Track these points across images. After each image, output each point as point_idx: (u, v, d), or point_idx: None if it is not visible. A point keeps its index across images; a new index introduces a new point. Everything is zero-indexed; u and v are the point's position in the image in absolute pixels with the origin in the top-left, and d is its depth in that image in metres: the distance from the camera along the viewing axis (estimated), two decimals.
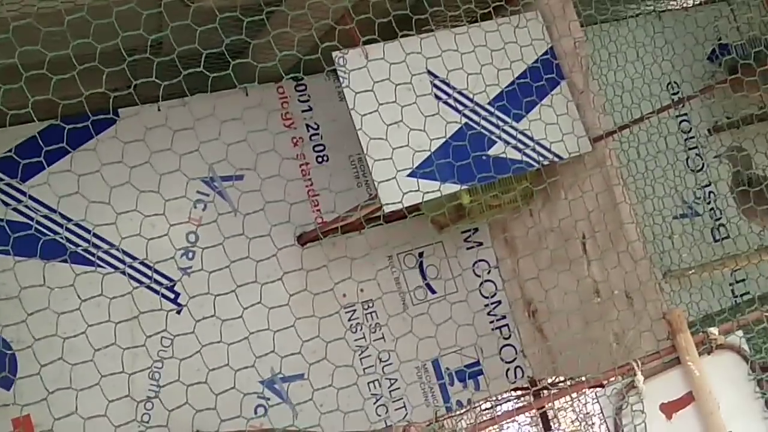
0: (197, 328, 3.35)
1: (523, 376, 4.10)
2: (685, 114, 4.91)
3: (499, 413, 3.62)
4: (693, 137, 4.93)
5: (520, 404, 3.87)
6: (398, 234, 4.00)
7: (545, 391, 4.12)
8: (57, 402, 2.92)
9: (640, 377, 2.78)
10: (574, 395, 6.43)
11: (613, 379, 2.85)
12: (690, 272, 4.27)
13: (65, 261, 3.27)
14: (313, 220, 3.90)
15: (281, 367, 3.52)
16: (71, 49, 2.59)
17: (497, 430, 7.21)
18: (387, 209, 3.25)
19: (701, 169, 4.89)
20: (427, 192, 3.28)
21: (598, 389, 3.08)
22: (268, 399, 3.54)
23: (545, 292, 3.77)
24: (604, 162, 3.55)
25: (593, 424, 7.51)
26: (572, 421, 7.39)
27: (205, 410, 3.17)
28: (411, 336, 3.84)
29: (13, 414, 3.11)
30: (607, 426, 2.84)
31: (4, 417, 3.12)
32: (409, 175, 3.28)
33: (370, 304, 3.92)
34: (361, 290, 3.91)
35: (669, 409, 2.94)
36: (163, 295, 3.48)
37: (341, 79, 3.24)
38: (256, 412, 3.51)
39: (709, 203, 4.84)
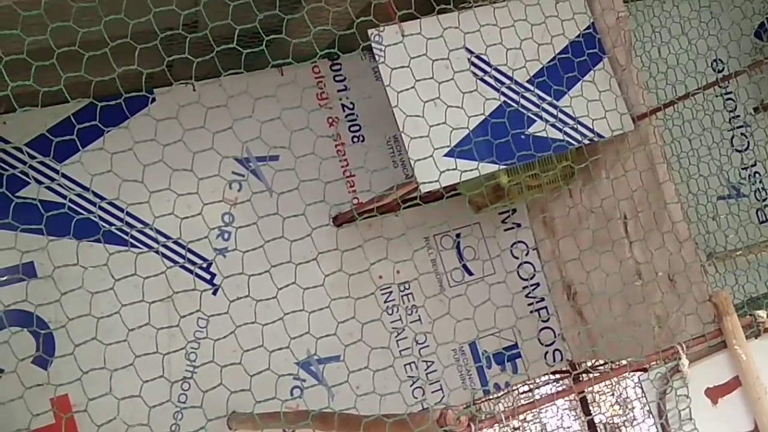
0: (232, 308, 3.33)
1: (562, 359, 4.03)
2: (731, 92, 4.76)
3: (538, 397, 3.56)
4: (738, 116, 4.79)
5: (559, 388, 3.79)
6: (435, 215, 3.94)
7: (585, 375, 4.06)
8: (92, 382, 2.92)
9: (685, 361, 2.70)
10: (614, 379, 6.35)
11: (656, 363, 2.77)
12: (736, 254, 4.15)
13: (99, 240, 3.27)
14: (348, 201, 3.85)
15: (317, 348, 3.50)
16: (104, 26, 2.55)
17: (536, 414, 7.15)
18: (424, 189, 3.19)
19: (747, 148, 4.75)
20: (465, 171, 3.21)
21: (640, 373, 2.99)
22: (304, 380, 3.52)
23: (586, 274, 3.68)
24: (647, 140, 3.45)
25: (633, 408, 7.41)
26: (611, 406, 7.29)
27: (240, 391, 3.15)
28: (448, 318, 3.79)
29: (51, 394, 3.11)
30: (650, 410, 2.76)
31: (42, 397, 3.13)
32: (446, 155, 3.22)
33: (407, 286, 3.87)
34: (398, 272, 3.86)
35: (715, 394, 2.85)
36: (198, 275, 3.46)
37: (377, 56, 3.18)
38: (291, 394, 3.49)
39: (754, 183, 4.70)
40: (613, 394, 7.01)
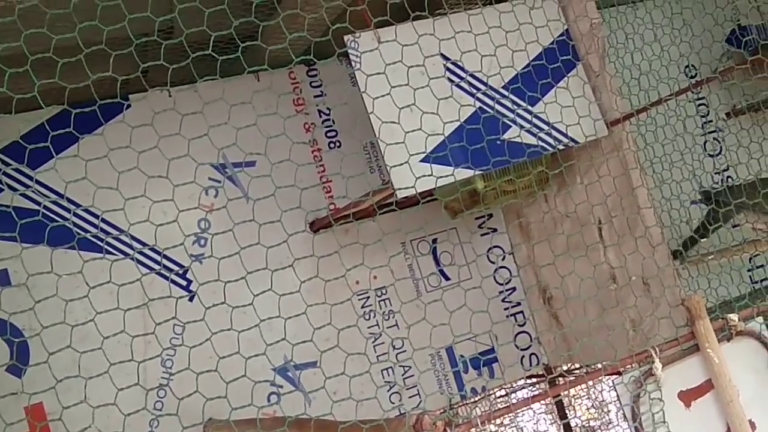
0: (208, 315, 3.31)
1: (538, 363, 4.05)
2: (703, 97, 4.82)
3: (514, 401, 3.58)
4: (711, 121, 4.85)
5: (536, 392, 3.82)
6: (411, 220, 3.95)
7: (561, 379, 4.08)
8: (67, 390, 2.90)
9: (658, 364, 2.72)
10: (590, 383, 6.39)
11: (630, 366, 2.79)
12: (708, 258, 4.20)
13: (73, 248, 3.24)
14: (325, 206, 3.86)
15: (293, 354, 3.49)
16: (78, 32, 2.54)
17: (512, 418, 7.18)
18: (400, 195, 3.21)
19: (719, 153, 4.81)
20: (441, 177, 3.23)
21: (614, 377, 3.02)
22: (281, 387, 3.51)
23: (561, 278, 3.71)
24: (621, 146, 3.49)
25: (609, 411, 7.46)
26: (587, 409, 7.34)
27: (216, 398, 3.14)
28: (425, 323, 3.80)
29: (25, 402, 3.09)
30: (624, 414, 2.78)
31: (16, 405, 3.10)
32: (422, 160, 3.23)
33: (383, 291, 3.88)
34: (374, 277, 3.86)
35: (688, 397, 2.88)
36: (174, 282, 3.45)
37: (353, 63, 3.19)
38: (269, 400, 3.49)
39: None
40: (589, 398, 7.06)
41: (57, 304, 2.88)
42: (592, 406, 7.22)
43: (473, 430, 2.41)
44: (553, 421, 6.57)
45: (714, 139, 4.83)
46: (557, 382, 4.22)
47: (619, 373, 2.95)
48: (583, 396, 6.90)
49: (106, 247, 3.35)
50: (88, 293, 2.75)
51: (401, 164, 3.17)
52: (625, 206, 3.44)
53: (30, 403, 3.10)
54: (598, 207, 3.57)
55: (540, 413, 6.82)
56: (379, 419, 2.39)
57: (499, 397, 4.51)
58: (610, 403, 6.88)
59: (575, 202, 3.66)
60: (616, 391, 2.76)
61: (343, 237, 3.79)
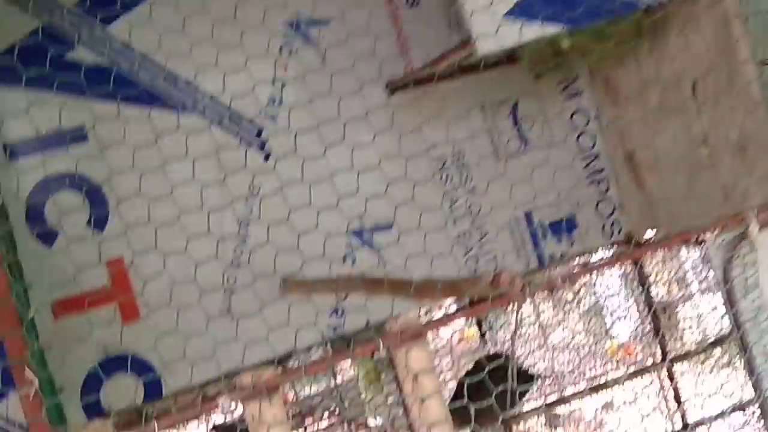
0: (284, 174, 3.31)
1: (620, 231, 3.92)
2: None
3: (593, 263, 3.50)
4: None
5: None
6: (492, 81, 3.78)
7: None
8: (144, 242, 2.95)
9: (754, 227, 2.58)
10: (670, 256, 6.25)
11: (722, 229, 2.66)
12: None
13: (146, 105, 3.22)
14: (402, 66, 3.71)
15: (368, 216, 3.47)
16: None
17: (589, 286, 7.14)
18: (481, 52, 3.06)
19: None
20: (526, 33, 3.05)
21: (703, 241, 2.90)
22: (355, 246, 3.49)
23: (649, 142, 3.54)
24: None
25: (689, 284, 7.34)
26: (667, 283, 7.21)
27: (291, 256, 3.16)
28: (503, 188, 3.73)
29: (104, 256, 3.15)
30: (713, 279, 2.67)
31: (96, 259, 3.15)
32: (506, 15, 3.05)
33: (461, 154, 3.76)
34: (452, 139, 3.75)
35: None
36: (249, 142, 3.41)
37: None
38: (343, 260, 3.48)
39: None
40: (668, 272, 6.92)
41: (131, 157, 2.90)
42: (673, 279, 7.09)
43: (550, 300, 2.34)
44: (630, 294, 6.50)
45: None
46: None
47: (704, 241, 2.83)
48: (663, 270, 6.75)
49: (178, 103, 3.31)
50: (156, 141, 2.75)
51: (484, 20, 3.00)
52: (723, 63, 3.19)
53: (109, 256, 3.16)
54: (694, 64, 3.33)
55: (619, 287, 6.75)
56: (454, 277, 2.34)
57: (576, 265, 4.41)
58: (694, 269, 6.75)
59: (669, 60, 3.43)
60: (705, 254, 2.64)
61: (420, 98, 3.66)
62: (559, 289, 2.26)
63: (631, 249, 2.63)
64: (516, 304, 2.09)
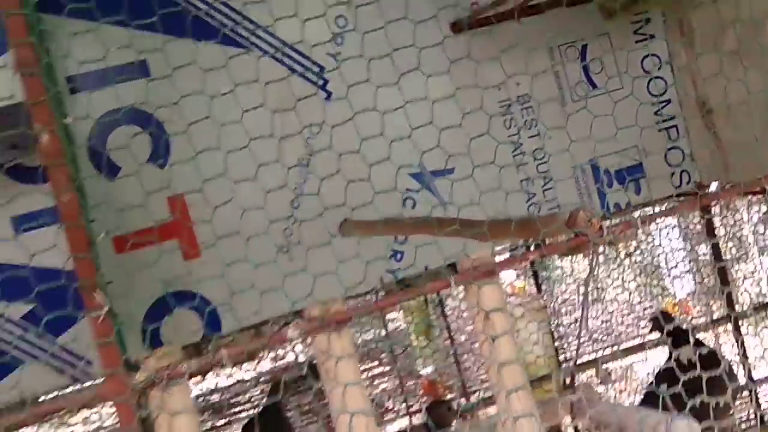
0: (345, 116, 3.24)
1: (689, 181, 3.79)
2: None
3: (656, 211, 3.39)
4: None
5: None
6: (560, 23, 3.65)
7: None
8: (208, 174, 2.93)
9: None
10: (732, 216, 6.08)
11: None
12: None
13: (217, 41, 3.19)
14: (467, 5, 3.60)
15: (430, 160, 3.41)
16: None
17: (648, 241, 6.97)
18: None
19: None
20: None
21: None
22: (417, 191, 3.44)
23: (724, 90, 3.39)
24: None
25: (750, 244, 7.15)
26: (727, 240, 7.02)
27: (358, 184, 3.10)
28: (569, 134, 3.61)
29: (167, 192, 3.14)
30: None
31: (159, 195, 3.15)
32: None
33: (526, 99, 3.66)
34: (517, 84, 3.65)
35: None
36: (312, 81, 3.36)
37: None
38: (404, 205, 3.43)
39: None
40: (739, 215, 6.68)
41: (198, 97, 2.86)
42: (733, 237, 6.90)
43: (620, 246, 2.26)
44: (691, 248, 6.34)
45: None
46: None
47: None
48: (735, 213, 6.53)
49: (250, 44, 3.27)
50: (233, 89, 2.73)
51: None
52: None
53: (172, 192, 3.15)
54: None
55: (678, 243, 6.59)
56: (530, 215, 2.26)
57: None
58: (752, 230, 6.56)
59: (748, 1, 3.26)
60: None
61: (485, 39, 3.55)
62: (637, 231, 2.16)
63: (698, 201, 2.50)
64: (593, 246, 2.01)
